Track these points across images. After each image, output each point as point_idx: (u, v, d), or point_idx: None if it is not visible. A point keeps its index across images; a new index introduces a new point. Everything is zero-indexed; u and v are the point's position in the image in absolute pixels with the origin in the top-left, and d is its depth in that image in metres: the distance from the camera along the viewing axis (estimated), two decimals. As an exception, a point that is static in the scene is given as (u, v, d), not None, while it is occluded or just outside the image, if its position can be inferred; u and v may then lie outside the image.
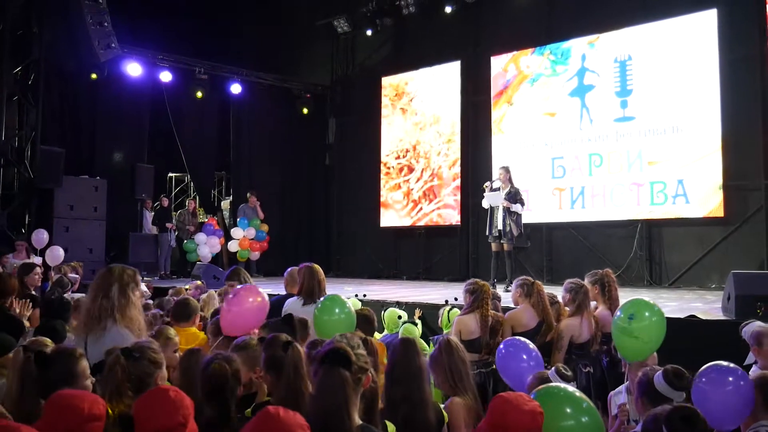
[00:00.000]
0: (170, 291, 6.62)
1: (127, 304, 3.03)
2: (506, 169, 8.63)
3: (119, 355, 2.42)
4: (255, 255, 12.39)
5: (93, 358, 2.84)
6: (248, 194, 12.53)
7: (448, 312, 5.39)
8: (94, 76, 11.54)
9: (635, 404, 2.94)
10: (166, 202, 12.43)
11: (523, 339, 3.89)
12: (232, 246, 12.22)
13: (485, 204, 8.67)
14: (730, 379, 2.89)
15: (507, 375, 3.71)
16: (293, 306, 4.57)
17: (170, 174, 15.66)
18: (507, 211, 8.31)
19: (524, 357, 3.62)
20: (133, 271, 3.20)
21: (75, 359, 2.47)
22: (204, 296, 5.88)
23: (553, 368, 3.32)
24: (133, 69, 11.71)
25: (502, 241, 8.42)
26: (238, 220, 12.45)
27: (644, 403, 2.81)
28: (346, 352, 2.12)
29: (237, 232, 12.20)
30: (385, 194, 13.29)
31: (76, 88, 11.94)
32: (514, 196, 8.40)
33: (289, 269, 5.44)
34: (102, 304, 3.00)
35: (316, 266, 4.86)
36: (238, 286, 4.18)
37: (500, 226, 8.38)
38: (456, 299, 6.41)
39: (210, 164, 14.07)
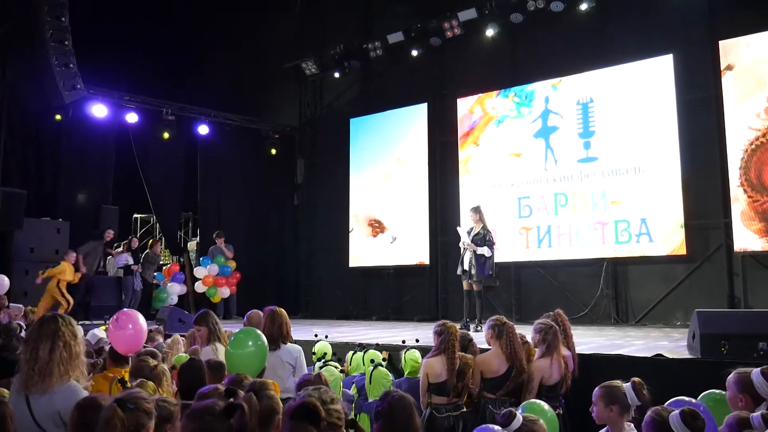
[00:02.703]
0: None
1: (78, 354, 2.88)
2: (474, 210, 8.65)
3: (115, 406, 2.33)
4: (224, 292, 12.19)
5: (41, 415, 2.72)
6: (214, 235, 12.42)
7: (405, 354, 5.35)
8: (58, 117, 11.43)
9: None
10: (135, 243, 12.16)
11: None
12: (199, 287, 12.04)
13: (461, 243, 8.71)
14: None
15: None
16: None
17: (135, 215, 15.44)
18: (474, 252, 8.35)
19: None
20: (70, 318, 3.01)
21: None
22: (169, 341, 5.75)
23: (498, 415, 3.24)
24: (99, 110, 11.60)
25: (469, 281, 8.44)
26: (200, 259, 12.31)
27: None
28: (316, 408, 2.07)
29: (200, 272, 12.06)
30: (354, 236, 13.26)
31: (40, 129, 11.79)
32: (482, 239, 8.40)
33: (248, 313, 5.36)
34: (46, 357, 2.79)
35: (279, 310, 4.73)
36: (123, 311, 4.41)
37: (466, 266, 8.42)
38: (417, 341, 6.37)
39: (176, 205, 13.90)
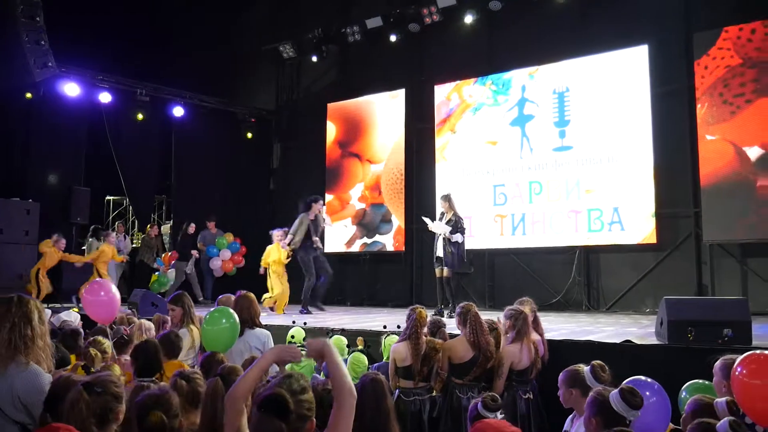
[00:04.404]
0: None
1: (34, 337, 2.81)
2: (445, 198, 8.72)
3: (81, 390, 2.29)
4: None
5: (1, 398, 2.69)
6: (207, 221, 12.56)
7: (384, 339, 5.40)
8: (28, 95, 11.19)
9: (585, 424, 2.98)
10: (192, 229, 12.02)
11: None
12: (218, 272, 12.33)
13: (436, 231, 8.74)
14: (648, 393, 3.10)
15: None
16: None
17: (108, 197, 15.23)
18: (447, 240, 8.40)
19: None
20: (30, 299, 2.95)
21: None
22: (131, 326, 5.56)
23: (480, 401, 3.29)
24: (71, 89, 11.35)
25: (440, 268, 8.50)
26: (207, 250, 12.30)
27: (597, 423, 2.87)
28: (285, 400, 2.01)
29: (216, 263, 12.26)
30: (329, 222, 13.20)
31: (9, 108, 11.49)
32: (454, 225, 8.46)
33: (219, 297, 5.33)
34: (5, 339, 2.75)
35: (248, 294, 4.72)
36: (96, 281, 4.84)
37: (439, 253, 8.48)
38: (399, 327, 6.40)
39: (150, 187, 13.73)
